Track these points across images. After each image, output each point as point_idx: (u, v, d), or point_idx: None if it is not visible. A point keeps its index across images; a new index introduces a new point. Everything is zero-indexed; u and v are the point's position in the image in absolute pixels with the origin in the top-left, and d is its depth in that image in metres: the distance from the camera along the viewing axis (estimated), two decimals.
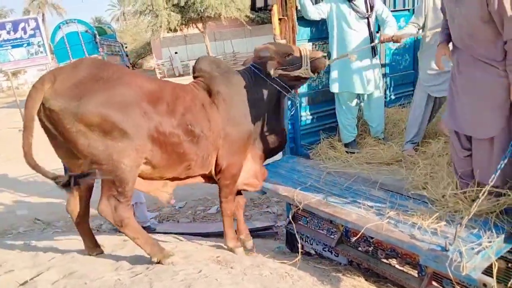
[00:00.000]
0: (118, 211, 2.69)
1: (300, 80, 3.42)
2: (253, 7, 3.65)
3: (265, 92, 3.29)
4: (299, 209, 3.31)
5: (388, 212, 2.85)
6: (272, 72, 3.19)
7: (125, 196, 2.70)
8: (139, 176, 2.86)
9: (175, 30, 22.46)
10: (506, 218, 2.57)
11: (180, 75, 24.41)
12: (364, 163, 3.80)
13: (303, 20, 4.04)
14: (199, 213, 6.08)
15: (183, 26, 22.14)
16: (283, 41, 3.89)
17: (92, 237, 3.11)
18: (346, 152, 4.08)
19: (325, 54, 3.42)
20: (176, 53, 25.58)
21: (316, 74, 3.43)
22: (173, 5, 20.02)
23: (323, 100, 4.41)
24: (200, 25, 21.99)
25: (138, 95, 2.66)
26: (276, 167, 3.97)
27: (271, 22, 3.95)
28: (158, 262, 2.78)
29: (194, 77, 3.24)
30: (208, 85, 3.11)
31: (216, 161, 3.13)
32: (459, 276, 2.29)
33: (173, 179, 3.10)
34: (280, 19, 3.86)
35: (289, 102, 3.95)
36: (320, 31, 4.23)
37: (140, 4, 20.22)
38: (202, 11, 19.87)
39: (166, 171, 2.94)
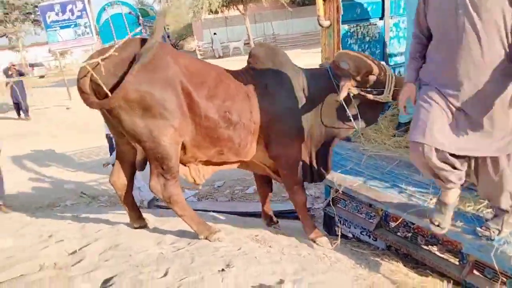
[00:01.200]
0: (167, 188, 2.83)
1: (373, 104, 3.10)
2: None
3: (325, 99, 3.09)
4: (338, 192, 3.30)
5: (430, 199, 2.79)
6: (342, 96, 2.90)
7: (171, 173, 2.80)
8: None
9: (216, 12, 22.52)
10: None
11: (220, 57, 24.50)
12: (403, 147, 3.72)
13: (348, 0, 3.95)
14: (237, 192, 6.18)
15: (224, 7, 22.16)
16: (327, 22, 3.83)
17: (135, 209, 3.23)
18: (394, 135, 3.97)
19: None
20: (215, 34, 25.63)
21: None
22: None
23: None
24: (241, 6, 21.93)
25: (180, 75, 2.71)
26: None
27: (312, 4, 3.90)
28: (205, 238, 2.88)
29: (248, 62, 3.16)
30: (259, 75, 3.05)
31: (269, 153, 3.13)
32: (505, 267, 2.23)
33: (206, 162, 3.14)
34: (324, 0, 3.80)
35: None
36: (365, 12, 4.13)
37: None
38: None
39: (198, 153, 2.99)
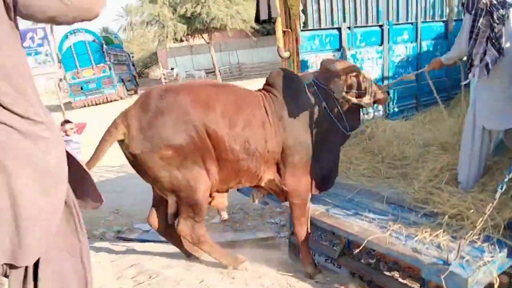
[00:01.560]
0: (196, 230, 2.94)
1: (354, 110, 3.24)
2: (257, 20, 3.65)
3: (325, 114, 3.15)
4: None
5: (390, 225, 2.85)
6: (340, 93, 3.07)
7: (200, 216, 2.93)
8: None
9: (181, 41, 22.68)
10: (509, 233, 2.56)
11: None
12: (362, 176, 3.80)
13: (307, 32, 4.07)
14: None
15: (189, 36, 22.35)
16: (287, 53, 3.92)
17: (181, 243, 3.24)
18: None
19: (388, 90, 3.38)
20: (172, 69, 25.83)
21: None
22: (180, 16, 20.22)
23: None
24: (206, 35, 22.16)
25: (201, 117, 2.76)
26: None
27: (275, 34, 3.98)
28: (234, 268, 3.02)
29: (265, 87, 3.20)
30: (275, 104, 3.06)
31: (282, 181, 3.13)
32: None
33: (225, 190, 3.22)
34: (284, 31, 3.90)
35: None
36: (323, 44, 4.26)
37: (147, 14, 20.43)
38: (208, 22, 20.02)
39: (220, 186, 3.04)
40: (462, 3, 3.04)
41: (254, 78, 24.38)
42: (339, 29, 4.35)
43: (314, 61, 4.18)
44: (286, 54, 3.91)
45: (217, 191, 3.12)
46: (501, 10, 2.75)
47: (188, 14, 19.90)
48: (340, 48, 4.36)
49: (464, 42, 3.05)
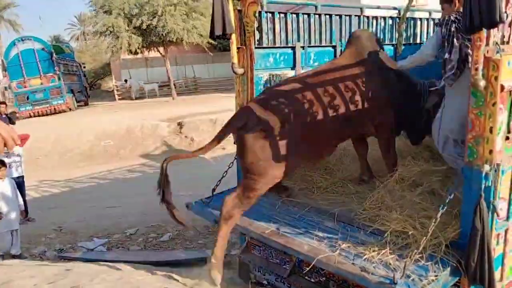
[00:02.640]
0: (234, 209, 3.12)
1: None
2: (211, 35, 3.63)
3: None
4: (252, 238, 3.26)
5: (339, 244, 2.86)
6: None
7: (249, 203, 3.15)
8: None
9: (136, 53, 22.24)
10: (452, 251, 2.63)
11: (136, 98, 24.11)
12: (316, 194, 3.82)
13: (261, 50, 4.09)
14: (151, 240, 5.89)
15: (144, 49, 21.95)
16: (241, 70, 3.92)
17: None
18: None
19: None
20: (125, 81, 25.25)
21: None
22: (135, 27, 19.84)
23: None
24: (161, 48, 21.86)
25: (304, 107, 3.21)
26: None
27: None
28: (208, 268, 3.17)
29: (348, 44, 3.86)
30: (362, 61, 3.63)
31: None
32: None
33: None
34: (238, 48, 3.90)
35: None
36: (277, 62, 4.29)
37: (101, 25, 19.89)
38: (164, 35, 19.75)
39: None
40: (435, 24, 3.31)
41: (212, 93, 24.33)
42: (293, 48, 4.40)
43: (269, 79, 4.20)
44: (240, 71, 3.91)
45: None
46: None
47: (144, 26, 19.54)
48: (294, 66, 4.41)
49: (430, 50, 3.40)
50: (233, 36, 3.75)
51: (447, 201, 2.62)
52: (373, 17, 5.20)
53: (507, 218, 2.69)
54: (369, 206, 3.33)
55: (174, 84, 23.09)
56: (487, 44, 2.33)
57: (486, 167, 2.45)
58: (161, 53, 22.29)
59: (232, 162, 3.98)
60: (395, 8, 5.49)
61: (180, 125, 13.37)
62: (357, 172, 4.12)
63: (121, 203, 7.47)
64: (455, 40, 3.15)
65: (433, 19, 5.68)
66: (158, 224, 6.32)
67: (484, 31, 2.29)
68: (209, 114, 13.98)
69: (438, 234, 2.71)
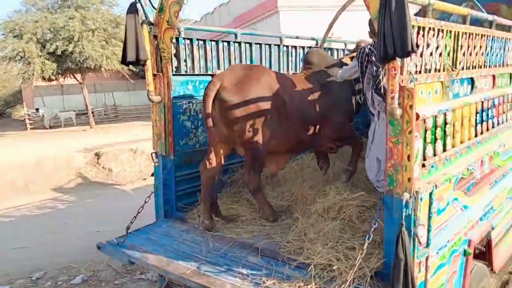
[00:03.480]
0: (254, 180, 3.61)
1: None
2: (123, 61, 3.39)
3: None
4: (170, 280, 3.00)
5: (264, 281, 2.69)
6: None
7: (260, 168, 3.71)
8: None
9: (50, 79, 20.93)
10: (377, 282, 2.58)
11: (50, 127, 22.62)
12: (238, 226, 3.66)
13: (180, 77, 3.92)
14: (60, 283, 5.32)
15: (59, 75, 20.73)
16: (158, 98, 3.70)
17: (209, 204, 3.68)
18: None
19: None
20: (37, 109, 23.69)
21: None
22: (49, 53, 18.71)
23: (201, 160, 4.24)
24: (78, 75, 20.80)
25: (275, 87, 3.59)
26: (148, 232, 3.62)
27: None
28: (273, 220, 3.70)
29: (304, 68, 4.31)
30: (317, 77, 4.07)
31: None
32: None
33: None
34: (154, 75, 3.69)
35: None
36: (196, 90, 4.14)
37: (10, 50, 18.49)
38: (81, 61, 18.86)
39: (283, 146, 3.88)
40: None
41: (132, 121, 23.51)
42: (213, 75, 4.28)
43: (188, 107, 4.02)
44: (157, 99, 3.70)
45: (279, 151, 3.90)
46: None
47: (59, 52, 18.49)
48: None
49: (347, 74, 3.80)
50: (148, 63, 3.55)
51: (371, 230, 2.58)
52: (292, 47, 5.27)
53: (427, 245, 2.70)
54: (293, 238, 3.23)
55: (93, 112, 22.04)
56: (402, 73, 2.36)
57: (406, 195, 2.45)
58: (78, 80, 21.20)
59: (149, 197, 3.70)
60: (313, 39, 5.63)
61: (97, 155, 12.62)
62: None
63: (28, 243, 6.74)
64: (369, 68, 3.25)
65: (349, 50, 5.91)
66: (69, 265, 5.74)
67: (398, 60, 2.32)
68: (129, 143, 13.40)
69: (363, 265, 2.66)
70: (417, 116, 2.42)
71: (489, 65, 3.60)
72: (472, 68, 3.25)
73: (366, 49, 3.39)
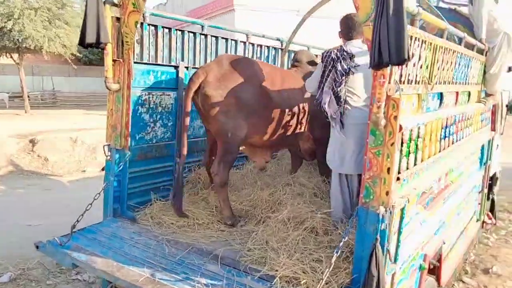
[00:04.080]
0: (223, 173, 3.54)
1: None
2: (81, 43, 3.04)
3: None
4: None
5: None
6: None
7: (230, 162, 3.61)
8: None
9: None
10: None
11: None
12: (194, 230, 3.43)
13: (141, 65, 3.62)
14: None
15: None
16: (116, 86, 3.39)
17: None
18: None
19: None
20: None
21: None
22: None
23: (157, 156, 3.96)
24: (16, 55, 19.32)
25: (261, 81, 3.59)
26: (95, 232, 3.29)
27: (100, 64, 3.44)
28: (231, 225, 3.54)
29: (293, 65, 4.36)
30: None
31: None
32: None
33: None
34: (114, 61, 3.37)
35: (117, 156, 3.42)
36: (158, 81, 3.85)
37: None
38: (20, 41, 17.52)
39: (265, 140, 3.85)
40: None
41: (71, 108, 22.25)
42: (176, 67, 4.02)
43: (147, 99, 3.73)
44: (115, 87, 3.38)
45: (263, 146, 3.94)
46: (348, 61, 2.89)
47: None
48: (177, 87, 4.02)
49: (314, 85, 3.33)
50: (109, 46, 3.23)
51: (341, 244, 2.47)
52: (258, 45, 5.11)
53: (395, 260, 2.64)
54: (254, 246, 3.06)
55: (28, 96, 20.54)
56: (389, 82, 2.26)
57: (382, 209, 2.36)
58: (14, 60, 19.71)
59: (99, 193, 3.37)
60: (278, 39, 5.51)
61: (32, 142, 11.70)
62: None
63: None
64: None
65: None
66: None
67: (387, 68, 2.22)
68: (69, 132, 12.58)
69: (330, 279, 2.54)
70: (400, 128, 2.34)
71: (455, 82, 3.64)
72: (444, 83, 3.26)
73: (333, 54, 3.23)
